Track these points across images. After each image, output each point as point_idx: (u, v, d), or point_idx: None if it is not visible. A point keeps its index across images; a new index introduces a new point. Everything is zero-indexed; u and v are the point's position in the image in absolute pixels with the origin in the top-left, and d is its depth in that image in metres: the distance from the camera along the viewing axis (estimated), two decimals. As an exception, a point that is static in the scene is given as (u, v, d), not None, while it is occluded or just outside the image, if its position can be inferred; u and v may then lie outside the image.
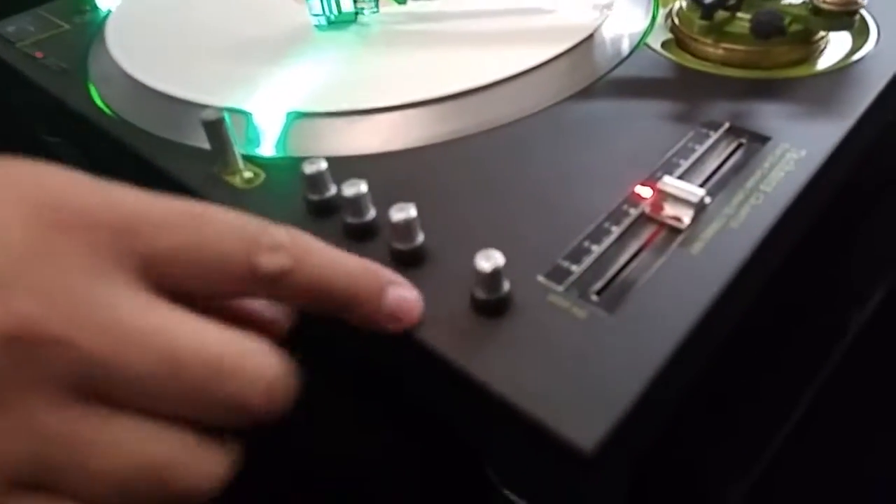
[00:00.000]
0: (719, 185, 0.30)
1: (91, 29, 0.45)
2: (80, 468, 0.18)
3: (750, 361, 0.32)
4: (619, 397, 0.23)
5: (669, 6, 0.42)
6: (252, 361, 0.19)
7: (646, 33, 0.40)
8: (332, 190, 0.29)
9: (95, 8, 0.47)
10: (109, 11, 0.46)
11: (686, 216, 0.28)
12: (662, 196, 0.28)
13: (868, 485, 0.30)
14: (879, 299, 0.35)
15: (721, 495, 0.30)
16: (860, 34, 0.39)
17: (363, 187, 0.28)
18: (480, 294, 0.25)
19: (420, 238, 0.27)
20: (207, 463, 0.19)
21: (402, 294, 0.24)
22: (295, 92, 0.36)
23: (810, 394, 0.32)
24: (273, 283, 0.20)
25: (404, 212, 0.26)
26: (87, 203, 0.19)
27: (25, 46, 0.43)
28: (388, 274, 0.24)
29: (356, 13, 0.41)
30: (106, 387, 0.18)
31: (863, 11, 0.39)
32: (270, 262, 0.20)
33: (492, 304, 0.25)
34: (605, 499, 0.27)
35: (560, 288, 0.26)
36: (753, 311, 0.29)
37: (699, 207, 0.28)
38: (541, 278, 0.26)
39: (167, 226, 0.19)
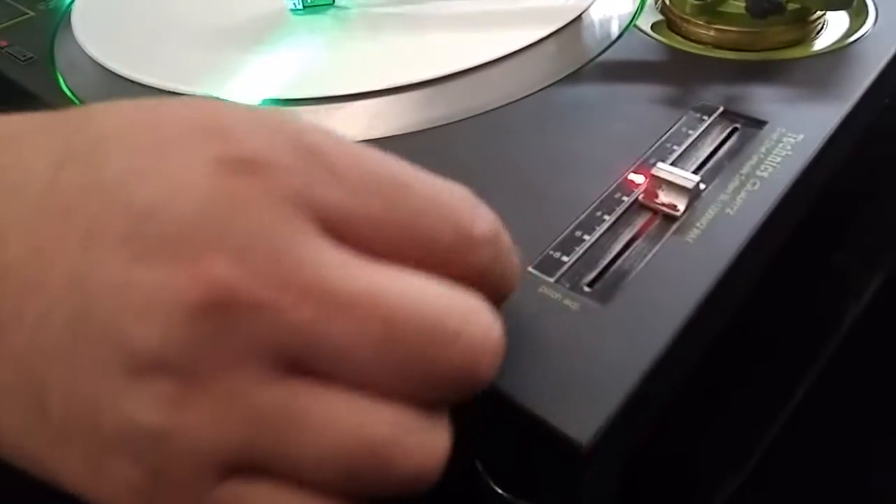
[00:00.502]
0: (714, 171, 0.29)
1: (56, 16, 0.43)
2: (296, 449, 0.16)
3: (743, 353, 0.31)
4: (614, 391, 0.22)
5: (660, -13, 0.41)
6: (479, 320, 0.17)
7: (635, 15, 0.39)
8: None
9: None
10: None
11: (681, 203, 0.27)
12: (656, 183, 0.27)
13: (863, 477, 0.29)
14: (875, 290, 0.35)
15: (714, 488, 0.29)
16: (858, 14, 0.38)
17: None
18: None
19: (404, 229, 0.26)
20: (431, 440, 0.17)
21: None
22: (271, 78, 0.34)
23: (805, 386, 0.31)
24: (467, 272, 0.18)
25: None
26: (275, 148, 0.16)
27: (-11, 35, 0.42)
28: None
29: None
30: (313, 358, 0.16)
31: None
32: (475, 259, 0.18)
33: (480, 297, 0.24)
34: (599, 492, 0.26)
35: (551, 279, 0.25)
36: (748, 302, 0.29)
37: (694, 194, 0.27)
38: (531, 269, 0.25)
39: (366, 190, 0.17)
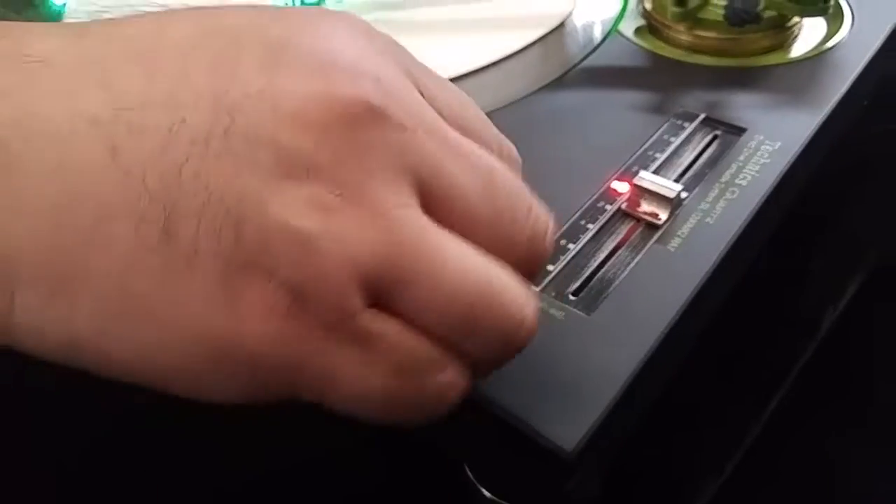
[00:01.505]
0: (695, 179, 0.29)
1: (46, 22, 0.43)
2: (430, 278, 0.16)
3: (723, 358, 0.32)
4: (598, 399, 0.22)
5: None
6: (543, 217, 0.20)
7: (618, 19, 0.40)
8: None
9: (46, 1, 0.45)
10: (63, 6, 0.44)
11: (663, 212, 0.27)
12: (639, 192, 0.28)
13: (837, 480, 0.30)
14: (851, 295, 0.35)
15: (694, 491, 0.30)
16: (835, 19, 0.39)
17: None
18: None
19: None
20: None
21: None
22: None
23: (783, 390, 0.32)
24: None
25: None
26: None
27: (-25, 40, 0.41)
28: None
29: (320, 1, 0.40)
30: (437, 189, 0.17)
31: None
32: (535, 252, 0.19)
33: (468, 307, 0.24)
34: (583, 497, 0.27)
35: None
36: (728, 307, 0.29)
37: (676, 203, 0.27)
38: (517, 279, 0.26)
39: (462, 172, 0.18)
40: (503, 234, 0.18)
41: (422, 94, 0.18)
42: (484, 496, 0.27)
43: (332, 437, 0.32)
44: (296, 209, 0.15)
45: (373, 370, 0.16)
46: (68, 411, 0.30)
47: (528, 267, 0.19)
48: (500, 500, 0.27)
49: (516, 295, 0.18)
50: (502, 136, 0.22)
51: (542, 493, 0.26)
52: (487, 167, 0.18)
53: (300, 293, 0.15)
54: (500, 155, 0.20)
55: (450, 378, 0.17)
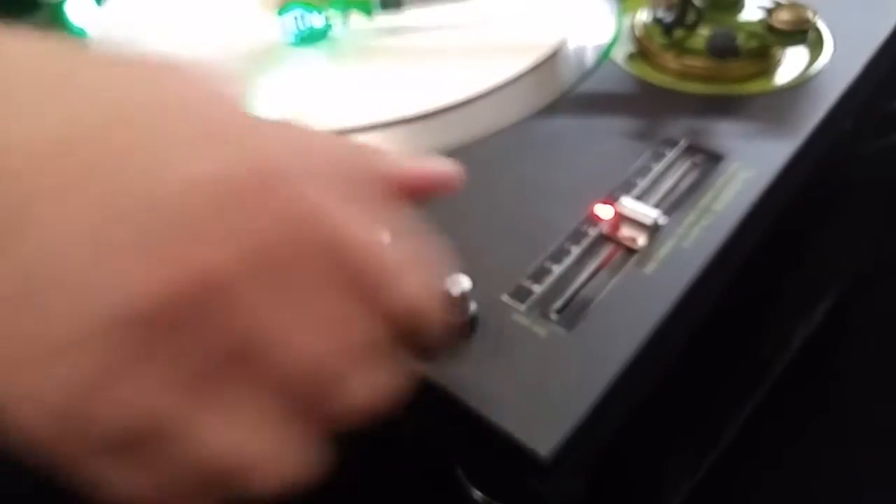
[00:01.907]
0: (674, 205, 0.32)
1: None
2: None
3: (700, 368, 0.34)
4: (574, 408, 0.25)
5: (633, 15, 0.44)
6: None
7: (610, 46, 0.42)
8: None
9: (72, 27, 0.48)
10: (86, 32, 0.47)
11: (641, 237, 0.30)
12: (620, 217, 0.30)
13: (807, 483, 0.32)
14: (823, 311, 0.38)
15: (672, 488, 0.32)
16: (816, 47, 0.41)
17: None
18: (449, 316, 0.27)
19: (392, 260, 0.29)
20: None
21: None
22: (269, 111, 0.37)
23: (756, 398, 0.34)
24: None
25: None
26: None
27: (8, 63, 0.44)
28: None
29: (326, 29, 0.42)
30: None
31: (819, 24, 0.41)
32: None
33: (460, 324, 0.27)
34: (564, 495, 0.29)
35: (523, 307, 0.28)
36: (706, 320, 0.32)
37: (654, 228, 0.30)
38: (505, 297, 0.28)
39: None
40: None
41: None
42: (474, 495, 0.30)
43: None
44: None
45: None
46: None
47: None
48: (488, 499, 0.30)
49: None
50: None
51: (525, 493, 0.28)
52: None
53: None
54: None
55: None
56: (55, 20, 0.47)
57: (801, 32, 0.37)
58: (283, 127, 0.20)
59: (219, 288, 0.16)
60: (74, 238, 0.15)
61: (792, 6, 0.38)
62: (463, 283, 0.26)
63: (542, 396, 0.25)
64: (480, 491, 0.30)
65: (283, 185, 0.17)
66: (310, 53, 0.42)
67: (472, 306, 0.27)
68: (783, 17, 0.37)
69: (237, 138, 0.18)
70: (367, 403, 0.19)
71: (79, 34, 0.47)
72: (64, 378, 0.15)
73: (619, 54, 0.41)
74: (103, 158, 0.16)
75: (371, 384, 0.19)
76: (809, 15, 0.37)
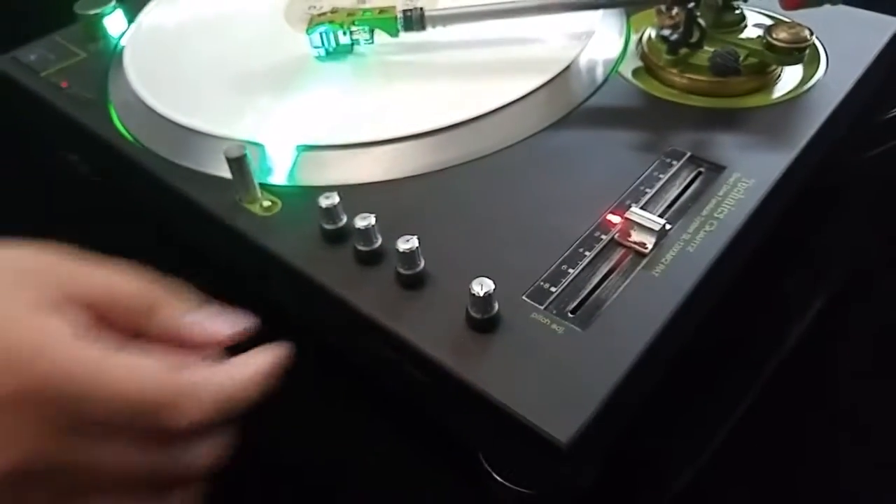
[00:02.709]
0: (679, 212, 0.34)
1: (105, 57, 0.48)
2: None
3: (703, 364, 0.37)
4: (590, 399, 0.27)
5: (640, 32, 0.46)
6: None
7: (618, 61, 0.44)
8: (344, 220, 0.34)
9: (107, 35, 0.50)
10: (120, 42, 0.49)
11: (649, 242, 0.32)
12: (629, 224, 0.32)
13: (798, 472, 0.35)
14: (817, 310, 0.40)
15: (675, 476, 0.35)
16: (811, 62, 0.43)
17: (372, 220, 0.32)
18: (475, 314, 0.29)
19: (421, 264, 0.31)
20: None
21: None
22: (303, 125, 0.40)
23: (754, 392, 0.37)
24: None
25: (409, 243, 0.31)
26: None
27: (50, 75, 0.47)
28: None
29: (352, 44, 0.45)
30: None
31: (815, 40, 0.43)
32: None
33: (484, 322, 0.29)
34: (579, 480, 0.32)
35: (541, 307, 0.30)
36: (708, 319, 0.34)
37: (661, 234, 0.32)
38: (525, 298, 0.31)
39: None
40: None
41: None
42: (497, 481, 0.32)
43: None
44: None
45: None
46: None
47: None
48: (508, 484, 0.32)
49: None
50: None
51: (544, 478, 0.31)
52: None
53: None
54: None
55: None
56: (91, 33, 0.50)
57: (799, 51, 0.40)
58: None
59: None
60: None
61: (790, 25, 0.40)
62: (488, 284, 0.29)
63: (559, 388, 0.28)
64: (501, 476, 0.32)
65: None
66: (335, 68, 0.44)
67: (496, 306, 0.29)
68: (781, 36, 0.39)
69: None
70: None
71: (114, 46, 0.49)
72: None
73: (627, 69, 0.44)
74: None
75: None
76: (806, 34, 0.40)
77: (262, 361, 0.25)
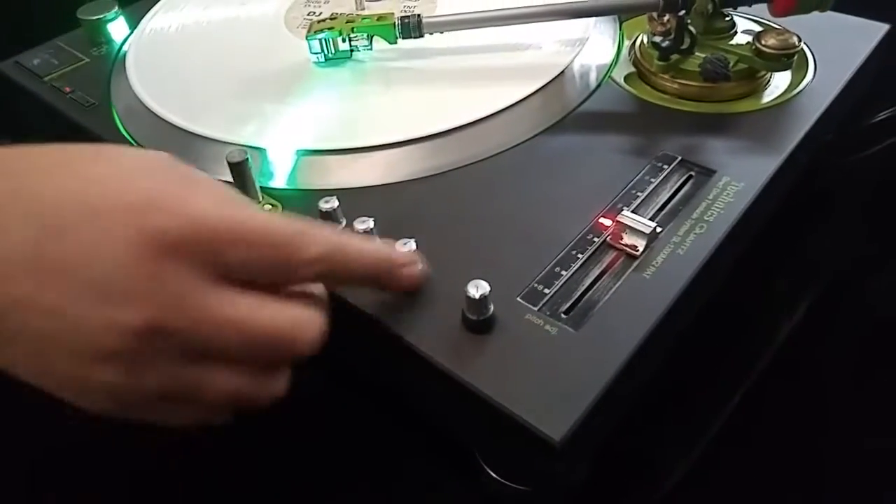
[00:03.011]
0: (670, 215, 0.35)
1: (108, 62, 0.49)
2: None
3: (692, 362, 0.38)
4: (583, 398, 0.28)
5: (633, 38, 0.47)
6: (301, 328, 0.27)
7: (611, 66, 0.45)
8: (344, 223, 0.34)
9: (110, 40, 0.51)
10: (122, 47, 0.50)
11: (640, 245, 0.33)
12: (621, 227, 0.33)
13: (785, 469, 0.36)
14: (804, 311, 0.41)
15: (667, 470, 0.36)
16: (800, 68, 0.44)
17: (370, 223, 0.33)
18: (470, 315, 0.30)
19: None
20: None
21: (412, 272, 0.31)
22: (302, 129, 0.40)
23: (743, 390, 0.37)
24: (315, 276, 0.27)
25: (407, 246, 0.31)
26: (182, 230, 0.24)
27: (53, 80, 0.47)
28: (400, 257, 0.31)
29: (351, 51, 0.45)
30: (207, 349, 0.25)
31: (803, 46, 0.44)
32: (309, 272, 0.27)
33: (480, 323, 0.30)
34: (572, 477, 0.32)
35: (535, 308, 0.31)
36: (698, 319, 0.35)
37: (652, 237, 0.33)
38: (519, 299, 0.32)
39: (238, 242, 0.25)
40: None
41: (221, 261, 0.25)
42: (493, 478, 0.33)
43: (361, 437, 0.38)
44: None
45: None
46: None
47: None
48: (503, 480, 0.33)
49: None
50: (304, 248, 0.26)
51: (538, 475, 0.31)
52: (240, 329, 0.25)
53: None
54: (289, 262, 0.26)
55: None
56: (94, 38, 0.51)
57: (787, 57, 0.41)
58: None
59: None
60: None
61: (778, 32, 0.41)
62: (483, 287, 0.30)
63: (553, 388, 0.28)
64: (496, 473, 0.33)
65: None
66: (334, 74, 0.45)
67: (491, 307, 0.30)
68: (770, 43, 0.40)
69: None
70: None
71: (117, 51, 0.50)
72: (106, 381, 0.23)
73: (620, 75, 0.45)
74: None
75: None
76: (795, 40, 0.41)
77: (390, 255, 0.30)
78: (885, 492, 0.34)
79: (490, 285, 0.30)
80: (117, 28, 0.51)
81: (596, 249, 0.34)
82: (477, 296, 0.30)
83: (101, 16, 0.51)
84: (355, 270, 0.29)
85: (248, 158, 0.36)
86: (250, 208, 0.26)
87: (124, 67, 0.47)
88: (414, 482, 0.36)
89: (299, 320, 0.26)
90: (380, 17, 0.44)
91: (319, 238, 0.27)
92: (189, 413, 0.26)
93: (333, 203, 0.34)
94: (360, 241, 0.29)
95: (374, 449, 0.37)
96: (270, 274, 0.26)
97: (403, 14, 0.44)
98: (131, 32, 0.52)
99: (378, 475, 0.36)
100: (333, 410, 0.39)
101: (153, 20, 0.52)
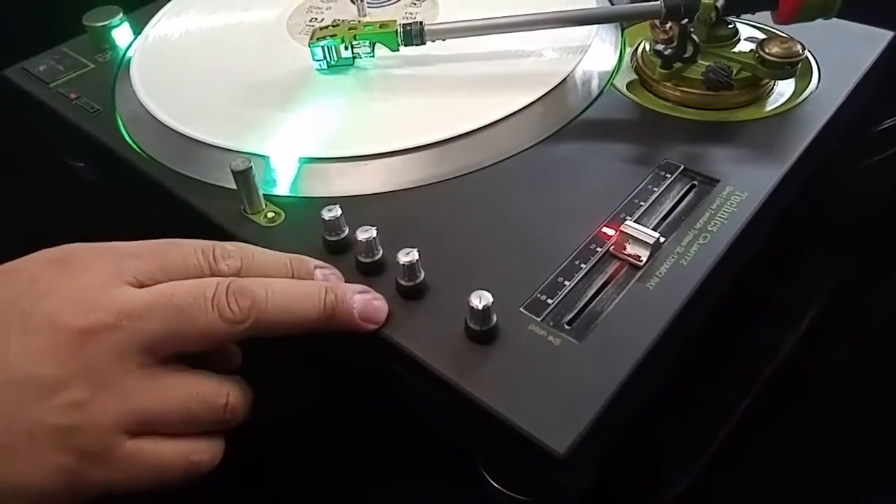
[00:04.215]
0: (673, 225, 0.35)
1: (113, 68, 0.49)
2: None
3: (696, 373, 0.38)
4: (586, 411, 0.28)
5: (635, 45, 0.47)
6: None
7: (613, 74, 0.45)
8: (346, 231, 0.34)
9: (115, 46, 0.51)
10: (126, 53, 0.50)
11: (644, 255, 0.33)
12: (624, 237, 0.33)
13: (797, 478, 0.36)
14: (809, 320, 0.41)
15: (670, 483, 0.36)
16: (804, 75, 0.44)
17: (373, 233, 0.33)
18: (473, 326, 0.30)
19: (421, 276, 0.32)
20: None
21: (373, 302, 0.32)
22: (305, 137, 0.40)
23: (747, 400, 0.37)
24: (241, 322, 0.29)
25: (409, 255, 0.31)
26: (90, 316, 0.27)
27: (59, 86, 0.47)
28: (351, 286, 0.32)
29: (353, 58, 0.45)
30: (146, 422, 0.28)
31: (807, 54, 0.44)
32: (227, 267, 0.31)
33: (483, 334, 0.30)
34: (575, 488, 0.32)
35: (538, 318, 0.31)
36: (702, 329, 0.35)
37: (655, 248, 0.33)
38: (522, 310, 0.32)
39: (150, 316, 0.27)
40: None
41: (140, 339, 0.27)
42: (496, 489, 0.33)
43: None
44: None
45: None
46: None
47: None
48: (505, 491, 0.33)
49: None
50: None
51: (541, 486, 0.31)
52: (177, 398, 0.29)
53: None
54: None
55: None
56: (99, 44, 0.51)
57: (791, 65, 0.41)
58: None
59: None
60: None
61: (782, 40, 0.41)
62: (486, 297, 0.30)
63: (556, 399, 0.28)
64: (498, 483, 0.33)
65: None
66: (337, 81, 0.45)
67: (494, 318, 0.30)
68: (774, 51, 0.40)
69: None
70: None
71: (122, 58, 0.50)
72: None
73: (622, 82, 0.45)
74: None
75: None
76: (798, 48, 0.40)
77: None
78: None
79: (493, 295, 0.30)
80: (122, 34, 0.51)
81: (599, 259, 0.34)
82: (480, 306, 0.30)
83: (106, 22, 0.51)
84: (270, 266, 0.31)
85: (251, 166, 0.36)
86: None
87: (128, 74, 0.47)
88: (415, 492, 0.36)
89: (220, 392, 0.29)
90: (382, 25, 0.44)
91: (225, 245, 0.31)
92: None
93: (337, 212, 0.34)
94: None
95: (374, 457, 0.37)
96: (190, 338, 0.28)
97: (406, 21, 0.44)
98: (135, 38, 0.52)
99: (378, 484, 0.36)
100: (331, 418, 0.39)
101: (157, 26, 0.52)
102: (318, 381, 0.41)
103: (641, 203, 0.36)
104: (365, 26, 0.44)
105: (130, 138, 0.43)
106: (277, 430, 0.38)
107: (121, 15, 0.51)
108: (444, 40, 0.44)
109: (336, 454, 0.37)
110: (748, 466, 0.36)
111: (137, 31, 0.52)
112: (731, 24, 0.43)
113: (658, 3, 0.41)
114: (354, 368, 0.38)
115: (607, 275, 0.33)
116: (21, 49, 0.51)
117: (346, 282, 0.33)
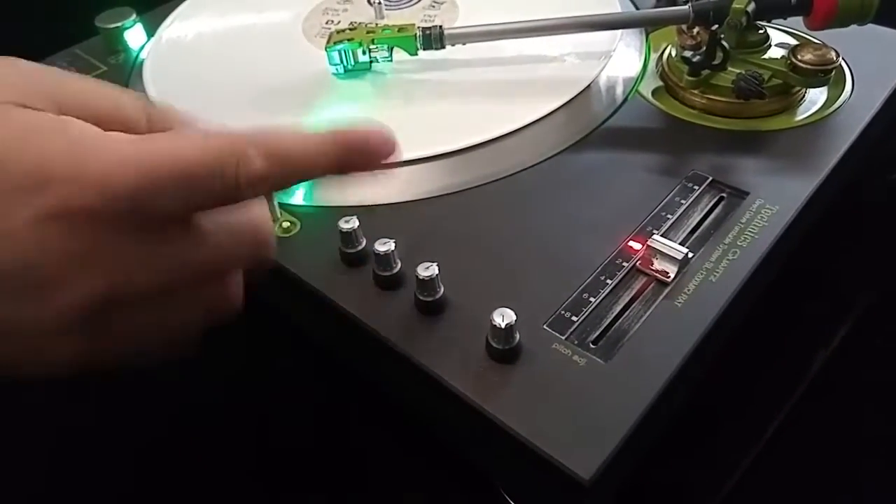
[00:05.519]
0: (702, 239, 0.34)
1: (125, 71, 0.49)
2: None
3: (724, 393, 0.36)
4: (613, 434, 0.27)
5: (660, 50, 0.46)
6: None
7: (638, 80, 0.44)
8: (363, 243, 0.33)
9: (127, 48, 0.50)
10: (139, 55, 0.49)
11: (672, 271, 0.32)
12: (651, 252, 0.32)
13: (825, 502, 0.34)
14: (841, 338, 0.40)
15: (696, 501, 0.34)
16: (837, 84, 0.42)
17: (391, 245, 0.32)
18: (496, 344, 0.29)
19: (441, 290, 0.31)
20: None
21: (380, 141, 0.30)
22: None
23: (775, 424, 0.36)
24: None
25: (429, 270, 0.30)
26: (91, 200, 0.22)
27: (71, 90, 0.47)
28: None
29: (370, 62, 0.44)
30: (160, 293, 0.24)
31: (841, 61, 0.43)
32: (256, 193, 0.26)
33: (505, 353, 0.29)
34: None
35: (562, 337, 0.30)
36: (730, 347, 0.34)
37: (683, 263, 0.32)
38: (546, 327, 0.30)
39: (162, 189, 0.23)
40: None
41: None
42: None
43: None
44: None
45: None
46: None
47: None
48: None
49: None
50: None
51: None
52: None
53: None
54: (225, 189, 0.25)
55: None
56: (112, 46, 0.50)
57: (825, 73, 0.39)
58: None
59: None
60: None
61: (815, 46, 0.40)
62: (509, 315, 0.29)
63: (581, 422, 0.27)
64: (519, 506, 0.32)
65: None
66: (354, 86, 0.44)
67: (517, 336, 0.29)
68: (807, 58, 0.39)
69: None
70: None
71: (134, 60, 0.49)
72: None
73: (647, 89, 0.43)
74: None
75: None
76: (833, 55, 0.39)
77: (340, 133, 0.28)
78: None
79: (515, 313, 0.29)
80: (135, 36, 0.51)
81: (625, 275, 0.32)
82: (503, 325, 0.28)
83: (118, 24, 0.50)
84: (308, 170, 0.28)
85: (266, 176, 0.35)
86: (153, 139, 0.24)
87: (141, 76, 0.46)
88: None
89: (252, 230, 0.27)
90: (401, 29, 0.43)
91: (252, 154, 0.25)
92: (156, 348, 0.26)
93: (354, 223, 0.33)
94: (298, 138, 0.28)
95: (393, 477, 0.36)
96: (211, 204, 0.25)
97: (425, 25, 0.43)
98: (148, 40, 0.51)
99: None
100: (350, 437, 0.38)
101: (170, 28, 0.51)
102: (330, 393, 0.40)
103: (668, 216, 0.35)
104: (383, 30, 0.43)
105: (143, 143, 0.42)
106: (292, 438, 0.37)
107: (134, 16, 0.51)
108: (464, 44, 0.43)
109: (347, 468, 0.36)
110: (776, 491, 0.34)
111: (150, 32, 0.51)
112: (761, 28, 0.41)
113: (686, 7, 0.40)
114: (373, 384, 0.37)
115: (634, 291, 0.32)
116: (33, 51, 0.50)
117: (362, 297, 0.32)
